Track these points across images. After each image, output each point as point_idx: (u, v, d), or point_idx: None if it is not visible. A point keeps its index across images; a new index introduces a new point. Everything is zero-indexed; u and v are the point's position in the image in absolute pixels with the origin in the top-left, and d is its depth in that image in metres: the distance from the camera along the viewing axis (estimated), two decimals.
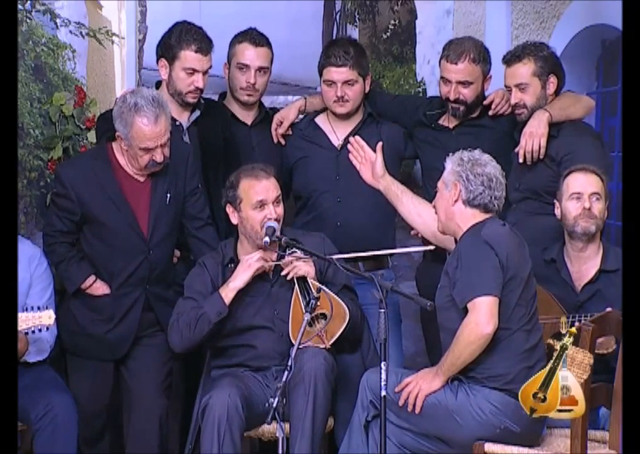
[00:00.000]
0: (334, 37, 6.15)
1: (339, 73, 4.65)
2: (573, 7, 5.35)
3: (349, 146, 4.37)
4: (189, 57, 4.53)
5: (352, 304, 4.21)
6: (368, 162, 4.29)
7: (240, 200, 4.23)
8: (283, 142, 4.82)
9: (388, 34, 6.27)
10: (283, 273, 4.19)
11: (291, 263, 4.17)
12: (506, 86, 4.53)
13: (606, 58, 5.43)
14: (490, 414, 3.79)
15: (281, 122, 4.80)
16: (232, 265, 4.26)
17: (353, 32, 6.39)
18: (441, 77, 4.63)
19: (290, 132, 4.83)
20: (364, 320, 4.35)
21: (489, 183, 3.89)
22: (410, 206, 4.24)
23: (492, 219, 3.93)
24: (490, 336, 3.73)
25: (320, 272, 4.23)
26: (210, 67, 4.59)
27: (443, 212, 3.97)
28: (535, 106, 4.44)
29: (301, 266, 4.16)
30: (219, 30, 4.80)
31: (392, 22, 6.25)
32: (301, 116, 4.90)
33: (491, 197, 3.90)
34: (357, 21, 6.27)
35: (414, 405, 3.85)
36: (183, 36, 4.53)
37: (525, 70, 4.44)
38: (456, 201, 3.92)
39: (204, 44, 4.54)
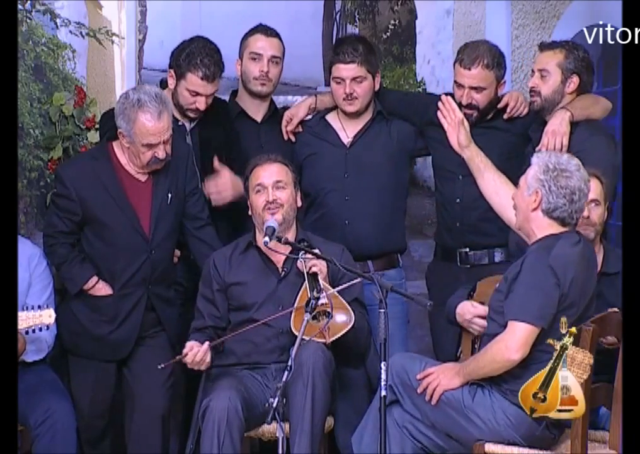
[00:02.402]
0: (334, 37, 6.16)
1: (347, 70, 4.63)
2: (573, 7, 5.36)
3: (439, 104, 4.30)
4: (194, 81, 4.49)
5: (360, 318, 4.20)
6: (457, 125, 4.24)
7: (247, 187, 4.32)
8: (293, 139, 4.81)
9: (388, 34, 6.28)
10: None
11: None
12: (532, 71, 4.52)
13: (606, 58, 5.43)
14: (502, 425, 3.78)
15: (291, 119, 4.80)
16: (251, 249, 4.31)
17: (353, 32, 6.40)
18: (455, 81, 4.62)
19: (300, 129, 4.82)
20: (370, 335, 4.34)
21: (572, 196, 3.78)
22: (490, 182, 4.16)
23: (567, 236, 3.81)
24: (515, 363, 3.70)
25: (333, 281, 4.21)
26: (216, 90, 4.56)
27: (522, 213, 3.89)
28: (549, 98, 4.42)
29: (315, 262, 4.15)
30: (219, 30, 4.80)
31: (392, 22, 6.27)
32: (309, 116, 4.88)
33: (571, 211, 3.80)
34: (357, 21, 6.28)
35: (431, 396, 3.86)
36: (193, 58, 4.48)
37: (551, 58, 4.42)
38: (535, 209, 3.83)
39: (211, 71, 4.48)
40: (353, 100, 4.67)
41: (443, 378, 3.87)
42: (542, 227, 3.83)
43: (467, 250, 4.63)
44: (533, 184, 3.83)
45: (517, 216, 3.92)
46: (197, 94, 4.51)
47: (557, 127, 4.34)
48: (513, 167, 4.29)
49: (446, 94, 4.82)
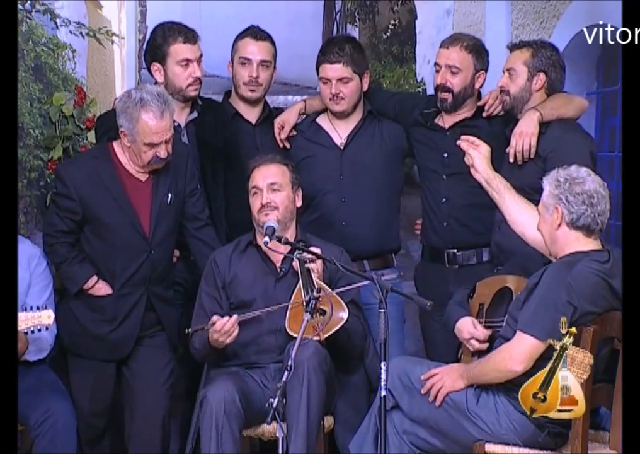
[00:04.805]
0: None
1: (333, 70, 4.63)
2: (573, 7, 5.35)
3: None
4: (179, 49, 4.53)
5: (355, 320, 4.20)
6: (475, 146, 4.15)
7: (247, 189, 4.33)
8: (288, 145, 4.81)
9: (388, 34, 6.28)
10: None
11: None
12: (503, 72, 4.54)
13: (606, 58, 5.43)
14: (505, 429, 3.78)
15: (283, 126, 4.79)
16: (251, 248, 4.33)
17: (353, 32, 6.40)
18: (435, 64, 4.63)
19: (294, 133, 4.82)
20: (368, 336, 4.34)
21: (590, 200, 3.75)
22: (512, 203, 4.07)
23: (595, 255, 3.75)
24: (517, 374, 3.69)
25: (331, 281, 4.22)
26: (201, 55, 4.58)
27: (548, 235, 3.85)
28: (517, 96, 4.43)
29: (312, 259, 4.15)
30: (219, 30, 4.79)
31: (392, 22, 6.27)
32: (301, 118, 4.88)
33: (594, 215, 3.76)
34: (357, 21, 6.28)
35: (435, 397, 3.86)
36: (166, 32, 4.54)
37: (518, 57, 4.44)
38: (560, 225, 3.79)
39: (189, 34, 4.55)
40: (340, 100, 4.67)
41: (447, 379, 3.87)
42: (569, 243, 3.79)
43: (455, 250, 4.63)
44: (550, 202, 3.81)
45: (545, 241, 3.88)
46: (187, 62, 4.54)
47: (525, 127, 4.34)
48: (496, 168, 4.28)
49: (433, 95, 4.81)
